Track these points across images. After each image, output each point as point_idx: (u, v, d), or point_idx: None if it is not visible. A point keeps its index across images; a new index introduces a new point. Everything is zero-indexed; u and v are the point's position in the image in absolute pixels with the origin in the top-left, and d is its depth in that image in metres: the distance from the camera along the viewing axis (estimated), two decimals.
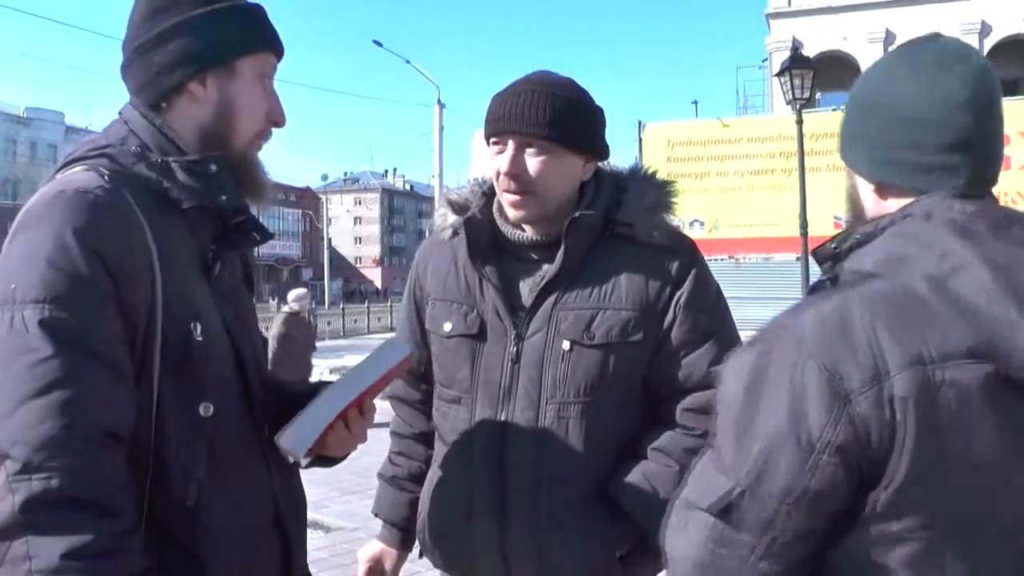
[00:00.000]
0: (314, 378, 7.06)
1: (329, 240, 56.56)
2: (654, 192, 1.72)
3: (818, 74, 12.75)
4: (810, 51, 18.28)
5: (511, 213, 1.69)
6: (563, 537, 1.63)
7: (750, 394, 1.01)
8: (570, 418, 1.63)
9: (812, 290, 1.14)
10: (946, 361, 0.93)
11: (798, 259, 12.99)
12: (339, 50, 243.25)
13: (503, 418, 1.67)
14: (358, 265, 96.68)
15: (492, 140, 1.67)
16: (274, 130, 1.46)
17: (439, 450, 1.81)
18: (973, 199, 1.05)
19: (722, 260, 15.93)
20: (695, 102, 35.56)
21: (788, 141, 14.65)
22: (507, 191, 1.66)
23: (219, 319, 1.35)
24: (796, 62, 12.10)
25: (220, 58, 1.36)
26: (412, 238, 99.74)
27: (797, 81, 11.84)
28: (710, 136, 17.58)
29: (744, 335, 1.80)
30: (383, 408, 1.61)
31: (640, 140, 17.86)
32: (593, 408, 1.63)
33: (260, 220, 1.47)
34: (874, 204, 1.14)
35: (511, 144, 1.63)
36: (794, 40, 18.61)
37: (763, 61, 24.77)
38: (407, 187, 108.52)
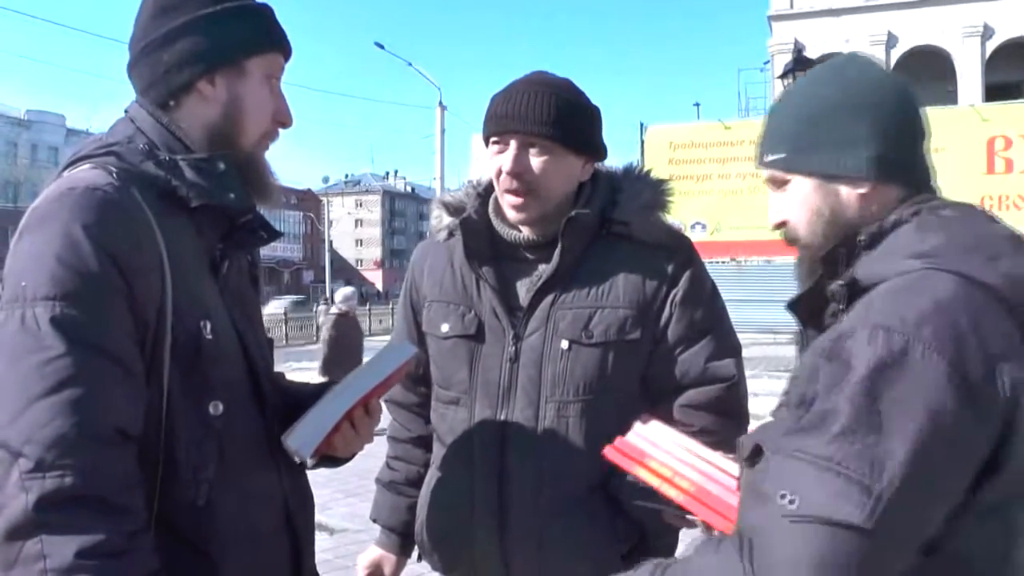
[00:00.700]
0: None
1: (330, 242, 56.40)
2: (649, 191, 1.73)
3: None
4: (812, 53, 18.23)
5: (511, 214, 1.69)
6: (563, 536, 1.63)
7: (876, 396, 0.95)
8: (570, 417, 1.64)
9: (833, 298, 1.13)
10: None
11: None
12: (340, 52, 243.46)
13: (503, 418, 1.67)
14: (359, 267, 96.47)
15: (493, 139, 1.67)
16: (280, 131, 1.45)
17: (437, 452, 1.80)
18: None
19: (724, 262, 15.94)
20: (697, 104, 35.61)
21: None
22: (509, 190, 1.66)
23: (228, 318, 1.35)
24: (799, 64, 12.12)
25: (230, 57, 1.35)
26: (413, 240, 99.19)
27: None
28: (712, 138, 17.59)
29: (744, 337, 1.82)
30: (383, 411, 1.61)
31: (642, 142, 17.90)
32: (592, 407, 1.64)
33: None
34: (859, 207, 1.15)
35: (513, 143, 1.64)
36: (797, 42, 18.59)
37: (765, 63, 24.76)
38: (408, 189, 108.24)
